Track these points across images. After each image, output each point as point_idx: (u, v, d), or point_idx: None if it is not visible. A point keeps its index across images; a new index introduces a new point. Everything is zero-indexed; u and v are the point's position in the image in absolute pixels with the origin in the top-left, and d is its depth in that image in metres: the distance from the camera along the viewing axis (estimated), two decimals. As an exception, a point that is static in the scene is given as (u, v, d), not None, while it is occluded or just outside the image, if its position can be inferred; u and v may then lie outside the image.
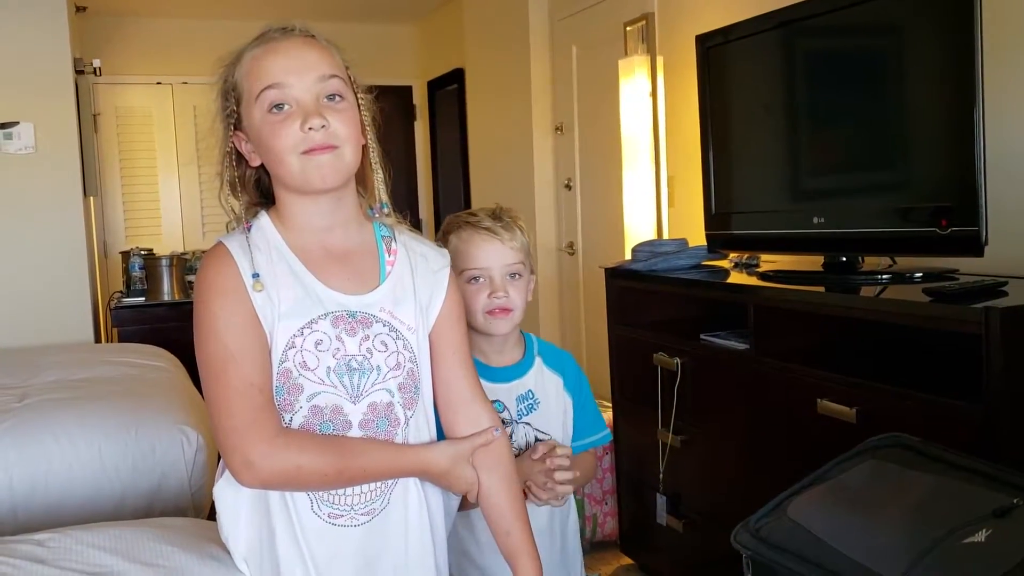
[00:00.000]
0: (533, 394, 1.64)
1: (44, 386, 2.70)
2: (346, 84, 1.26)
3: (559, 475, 1.52)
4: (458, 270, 1.56)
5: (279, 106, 1.21)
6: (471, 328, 1.59)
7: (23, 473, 2.17)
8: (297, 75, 1.21)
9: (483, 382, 1.52)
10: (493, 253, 1.57)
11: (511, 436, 1.60)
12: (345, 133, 1.23)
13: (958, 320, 1.65)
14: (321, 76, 1.23)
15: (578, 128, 4.18)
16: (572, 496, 1.67)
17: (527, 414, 1.63)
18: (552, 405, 1.66)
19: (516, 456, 1.56)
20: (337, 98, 1.24)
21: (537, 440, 1.62)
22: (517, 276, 1.59)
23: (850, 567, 1.30)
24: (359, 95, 1.29)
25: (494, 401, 1.56)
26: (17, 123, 3.95)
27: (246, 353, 1.21)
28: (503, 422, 1.55)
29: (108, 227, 5.54)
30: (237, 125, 1.27)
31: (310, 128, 1.20)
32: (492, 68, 4.87)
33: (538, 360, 1.67)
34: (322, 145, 1.21)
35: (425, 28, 6.14)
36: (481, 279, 1.58)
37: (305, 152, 1.21)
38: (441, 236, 1.64)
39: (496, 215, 1.60)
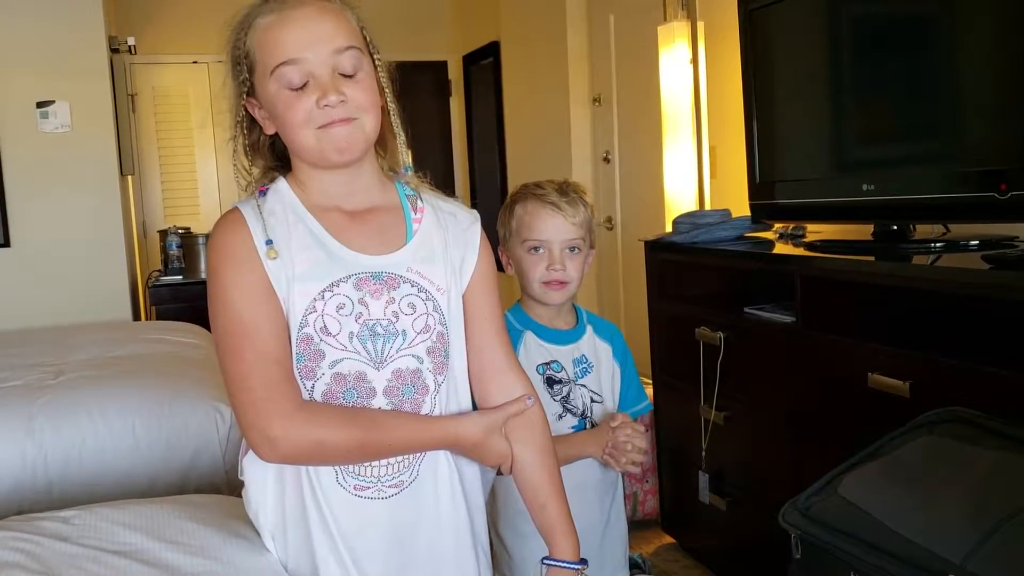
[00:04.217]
0: (587, 358, 1.71)
1: (80, 363, 2.70)
2: (362, 51, 1.21)
3: (638, 442, 1.61)
4: (520, 238, 1.66)
5: (294, 81, 1.16)
6: (527, 295, 1.69)
7: (58, 450, 2.16)
8: (312, 49, 1.16)
9: (543, 343, 1.66)
10: (554, 227, 1.63)
11: (568, 397, 1.66)
12: (363, 102, 1.18)
13: (1021, 288, 1.56)
14: (337, 48, 1.17)
15: (616, 99, 4.10)
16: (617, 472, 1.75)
17: (582, 377, 1.69)
18: (603, 370, 1.73)
19: (592, 427, 1.67)
20: (354, 70, 1.19)
21: (593, 401, 1.70)
22: (576, 250, 1.66)
23: (909, 548, 1.23)
24: (375, 56, 1.23)
25: (553, 362, 1.65)
26: (53, 102, 3.95)
27: (261, 324, 1.16)
28: (561, 382, 1.65)
29: (147, 206, 5.57)
30: (250, 92, 1.22)
31: (326, 105, 1.15)
32: (528, 40, 4.79)
33: (589, 328, 1.75)
34: (340, 118, 1.16)
35: (460, 2, 6.06)
36: (541, 250, 1.65)
37: (321, 127, 1.17)
38: (508, 204, 1.71)
39: (563, 189, 1.66)
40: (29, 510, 1.97)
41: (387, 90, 1.24)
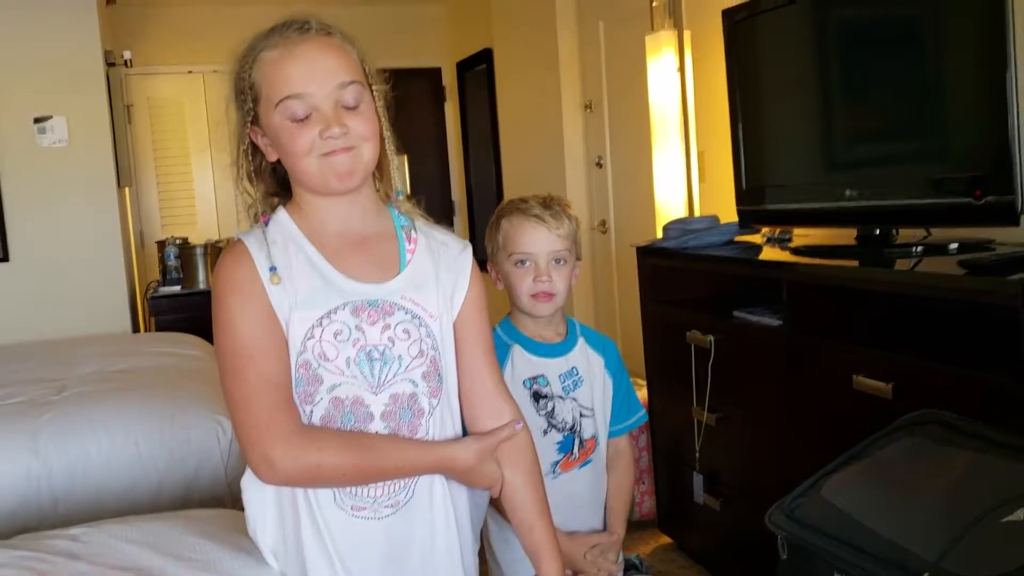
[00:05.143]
0: (577, 371, 1.71)
1: (82, 378, 2.74)
2: (363, 85, 1.26)
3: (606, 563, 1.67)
4: (507, 252, 1.68)
5: (298, 114, 1.22)
6: (516, 308, 1.71)
7: (63, 465, 2.21)
8: (317, 84, 1.21)
9: (530, 356, 1.67)
10: (539, 239, 1.66)
11: (553, 412, 1.67)
12: (363, 132, 1.24)
13: (993, 292, 1.61)
14: (340, 84, 1.22)
15: (607, 105, 4.14)
16: (607, 473, 1.78)
17: (573, 390, 1.70)
18: (595, 383, 1.73)
19: (580, 443, 1.67)
20: (356, 102, 1.24)
21: (582, 416, 1.70)
22: (562, 262, 1.68)
23: (887, 547, 1.28)
24: (374, 88, 1.29)
25: (539, 376, 1.66)
26: (50, 117, 4.00)
27: (263, 349, 1.21)
28: (547, 396, 1.65)
29: (144, 217, 5.60)
30: (254, 120, 1.27)
31: (329, 136, 1.21)
32: (520, 47, 4.83)
33: (581, 339, 1.75)
34: (341, 147, 1.22)
35: (453, 9, 6.10)
36: (527, 263, 1.67)
37: (324, 154, 1.22)
38: (494, 220, 1.73)
39: (546, 203, 1.69)
40: (36, 526, 2.01)
41: (383, 119, 1.29)
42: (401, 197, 1.36)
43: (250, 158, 1.30)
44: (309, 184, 1.26)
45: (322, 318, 1.23)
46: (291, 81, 1.21)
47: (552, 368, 1.69)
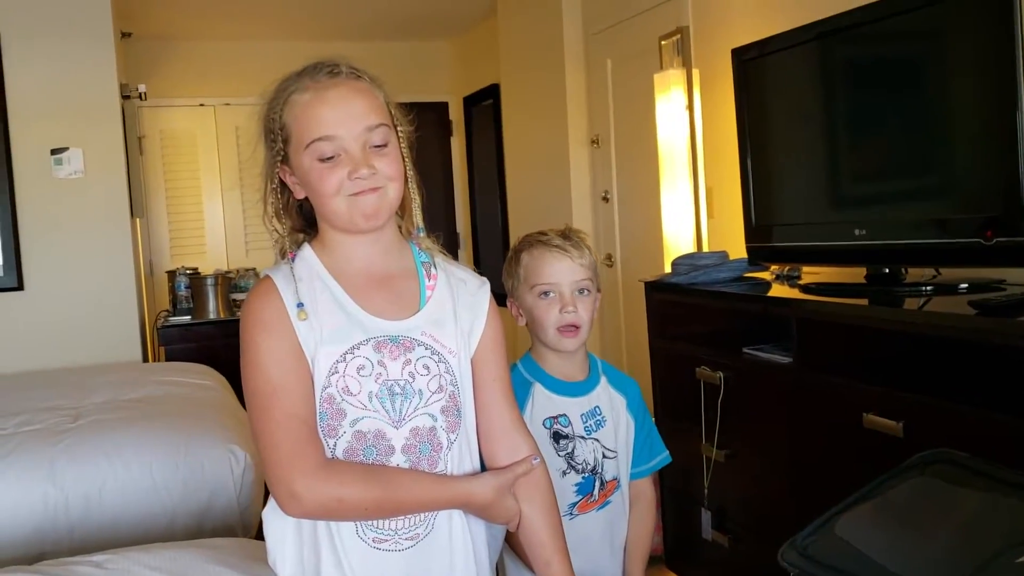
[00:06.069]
0: (600, 411, 1.69)
1: (96, 406, 2.76)
2: (389, 127, 1.30)
3: None
4: (529, 285, 1.67)
5: (327, 154, 1.25)
6: (541, 343, 1.68)
7: (79, 493, 2.23)
8: (346, 127, 1.25)
9: (552, 395, 1.64)
10: (563, 269, 1.65)
11: (573, 452, 1.65)
12: (390, 172, 1.28)
13: (1003, 333, 1.63)
14: (368, 126, 1.26)
15: (614, 141, 4.19)
16: (627, 509, 1.75)
17: (596, 430, 1.68)
18: (619, 423, 1.71)
19: (601, 483, 1.66)
20: (383, 143, 1.28)
21: (605, 457, 1.67)
22: (586, 292, 1.67)
23: (900, 586, 1.29)
24: (399, 129, 1.33)
25: (560, 415, 1.64)
26: (67, 149, 4.04)
27: (289, 386, 1.23)
28: (566, 437, 1.63)
29: (154, 247, 5.65)
30: (283, 160, 1.30)
31: (357, 177, 1.25)
32: (527, 83, 4.89)
33: (603, 379, 1.73)
34: (369, 188, 1.26)
35: (461, 45, 6.19)
36: (552, 294, 1.65)
37: (352, 194, 1.26)
38: (512, 255, 1.72)
39: (565, 234, 1.68)
40: (52, 552, 2.03)
41: (407, 159, 1.33)
42: (422, 234, 1.40)
43: (278, 196, 1.34)
44: (336, 223, 1.29)
45: (345, 353, 1.26)
46: (322, 123, 1.25)
47: (574, 408, 1.67)
